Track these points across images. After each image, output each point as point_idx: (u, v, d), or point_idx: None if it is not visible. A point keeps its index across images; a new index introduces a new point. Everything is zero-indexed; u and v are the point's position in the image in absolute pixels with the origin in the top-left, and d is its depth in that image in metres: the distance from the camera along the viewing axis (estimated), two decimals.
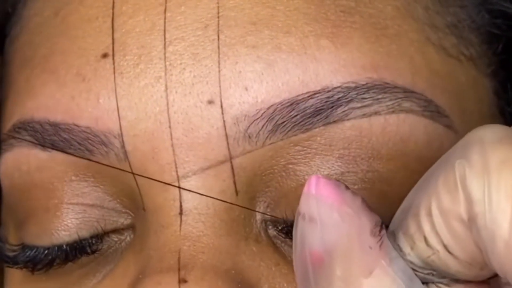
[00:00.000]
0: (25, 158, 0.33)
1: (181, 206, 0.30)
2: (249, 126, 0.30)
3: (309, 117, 0.30)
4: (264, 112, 0.30)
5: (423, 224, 0.24)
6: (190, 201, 0.30)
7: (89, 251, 0.32)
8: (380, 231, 0.25)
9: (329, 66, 0.30)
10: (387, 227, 0.26)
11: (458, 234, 0.23)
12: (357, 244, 0.24)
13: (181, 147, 0.30)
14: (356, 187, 0.30)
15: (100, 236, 0.32)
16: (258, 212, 0.30)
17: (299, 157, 0.30)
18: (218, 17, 0.30)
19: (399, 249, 0.25)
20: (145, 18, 0.31)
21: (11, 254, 0.34)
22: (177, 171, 0.30)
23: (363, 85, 0.30)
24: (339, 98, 0.30)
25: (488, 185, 0.22)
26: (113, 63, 0.31)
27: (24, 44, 0.36)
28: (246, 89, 0.30)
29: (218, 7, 0.31)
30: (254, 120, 0.30)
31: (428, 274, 0.24)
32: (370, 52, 0.31)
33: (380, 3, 0.32)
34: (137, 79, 0.30)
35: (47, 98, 0.32)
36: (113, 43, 0.31)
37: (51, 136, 0.32)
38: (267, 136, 0.30)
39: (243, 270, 0.30)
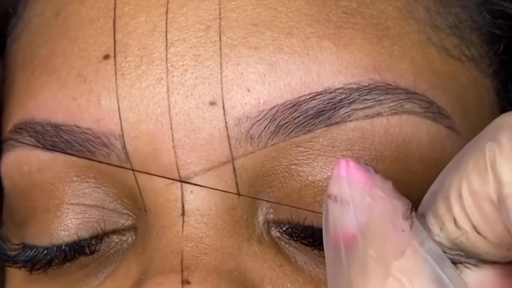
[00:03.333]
0: (26, 158, 0.33)
1: (183, 207, 0.30)
2: (251, 127, 0.30)
3: (311, 118, 0.30)
4: (266, 113, 0.30)
5: (453, 206, 0.24)
6: (192, 202, 0.30)
7: (87, 251, 0.32)
8: (410, 214, 0.25)
9: (331, 67, 0.30)
10: (416, 210, 0.26)
11: (488, 215, 0.24)
12: (389, 226, 0.25)
13: (182, 148, 0.30)
14: None
15: (99, 237, 0.32)
16: (264, 200, 0.31)
17: (301, 158, 0.30)
18: (220, 18, 0.30)
19: (428, 231, 0.25)
20: (147, 19, 0.31)
21: (11, 253, 0.34)
22: (179, 172, 0.30)
23: (365, 86, 0.30)
24: (341, 99, 0.30)
25: None
26: (115, 65, 0.31)
27: (25, 44, 0.35)
28: (248, 90, 0.30)
29: (220, 8, 0.31)
30: (256, 121, 0.30)
31: (456, 254, 0.25)
32: (372, 53, 0.31)
33: (382, 4, 0.32)
34: (139, 80, 0.30)
35: (48, 99, 0.32)
36: (114, 44, 0.31)
37: (52, 137, 0.32)
38: (269, 137, 0.30)
39: (246, 271, 0.30)
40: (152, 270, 0.29)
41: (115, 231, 0.32)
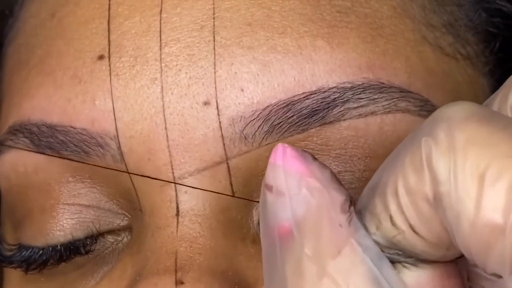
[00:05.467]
0: (22, 159, 0.33)
1: (177, 207, 0.30)
2: (245, 127, 0.30)
3: (305, 118, 0.30)
4: (260, 113, 0.30)
5: (389, 204, 0.23)
6: (186, 202, 0.30)
7: (83, 251, 0.32)
8: (349, 207, 0.24)
9: (325, 66, 0.30)
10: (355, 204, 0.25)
11: (424, 214, 0.22)
12: (327, 221, 0.23)
13: (177, 148, 0.30)
14: (353, 186, 0.30)
15: (95, 237, 0.32)
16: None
17: None
18: (214, 18, 0.30)
19: (365, 229, 0.24)
20: (141, 19, 0.31)
21: (8, 253, 0.34)
22: (173, 172, 0.30)
23: (359, 85, 0.30)
24: (335, 98, 0.30)
25: (454, 164, 0.21)
26: (109, 65, 0.31)
27: (21, 46, 0.36)
28: (242, 90, 0.30)
29: (214, 8, 0.31)
30: (250, 121, 0.30)
31: (394, 254, 0.24)
32: (366, 52, 0.31)
33: (376, 3, 0.32)
34: (133, 80, 0.30)
35: (43, 100, 0.32)
36: (109, 44, 0.31)
37: (48, 138, 0.32)
38: (263, 137, 0.30)
39: (240, 271, 0.30)
40: (147, 270, 0.29)
41: (110, 231, 0.32)
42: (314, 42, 0.30)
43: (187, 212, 0.30)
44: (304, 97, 0.30)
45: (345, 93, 0.30)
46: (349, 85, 0.30)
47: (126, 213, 0.32)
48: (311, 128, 0.30)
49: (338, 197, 0.24)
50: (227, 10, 0.31)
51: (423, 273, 0.24)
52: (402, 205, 0.22)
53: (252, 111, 0.30)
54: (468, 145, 0.21)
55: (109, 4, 0.32)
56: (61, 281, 0.33)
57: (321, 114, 0.30)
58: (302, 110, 0.30)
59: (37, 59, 0.33)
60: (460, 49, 0.34)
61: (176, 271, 0.29)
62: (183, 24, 0.31)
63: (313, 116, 0.30)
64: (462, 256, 0.23)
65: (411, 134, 0.23)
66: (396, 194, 0.23)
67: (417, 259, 0.24)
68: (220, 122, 0.30)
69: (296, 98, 0.30)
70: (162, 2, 0.31)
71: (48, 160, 0.32)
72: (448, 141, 0.21)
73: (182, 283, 0.28)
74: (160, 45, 0.30)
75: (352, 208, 0.24)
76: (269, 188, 0.24)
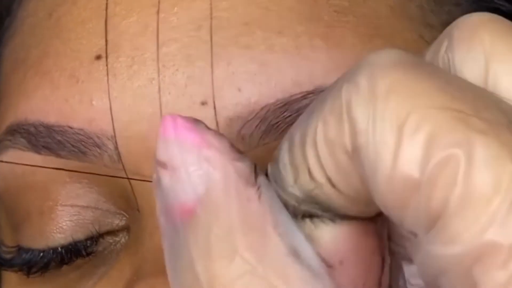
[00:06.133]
0: (19, 160, 0.33)
1: None
2: (242, 127, 0.30)
3: None
4: (258, 113, 0.30)
5: (308, 155, 0.21)
6: None
7: (84, 253, 0.32)
8: (256, 179, 0.21)
9: (322, 66, 0.30)
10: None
11: (343, 167, 0.20)
12: (234, 195, 0.21)
13: None
14: None
15: (95, 238, 0.32)
16: None
17: None
18: (211, 18, 0.30)
19: (282, 180, 0.22)
20: (138, 19, 0.31)
21: (7, 256, 0.34)
22: None
23: None
24: None
25: (373, 113, 0.19)
26: (106, 65, 0.31)
27: (18, 45, 0.36)
28: (239, 90, 0.30)
29: (211, 8, 0.30)
30: (248, 121, 0.30)
31: (311, 208, 0.22)
32: (363, 52, 0.31)
33: (374, 3, 0.32)
34: (130, 80, 0.30)
35: (41, 100, 0.32)
36: (106, 44, 0.31)
37: (45, 138, 0.32)
38: (261, 136, 0.30)
39: None
40: (144, 271, 0.29)
41: (109, 232, 0.32)
42: (312, 41, 0.30)
43: None
44: (301, 96, 0.30)
45: None
46: None
47: (124, 213, 0.32)
48: None
49: (242, 169, 0.21)
50: (225, 10, 0.30)
51: (340, 228, 0.22)
52: (320, 157, 0.21)
53: (250, 111, 0.30)
54: (389, 93, 0.19)
55: (107, 4, 0.32)
56: (60, 282, 0.33)
57: None
58: (300, 110, 0.30)
59: (34, 59, 0.33)
60: None
61: None
62: (181, 24, 0.31)
63: None
64: (382, 213, 0.21)
65: (336, 80, 0.21)
66: (315, 144, 0.21)
67: (335, 214, 0.22)
68: (217, 122, 0.30)
69: (293, 98, 0.30)
70: (159, 2, 0.31)
71: (45, 160, 0.32)
72: (369, 89, 0.19)
73: None
74: (157, 45, 0.30)
75: (261, 178, 0.22)
76: (162, 165, 0.21)
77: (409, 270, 0.24)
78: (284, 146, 0.22)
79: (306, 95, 0.30)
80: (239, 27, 0.30)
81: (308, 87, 0.30)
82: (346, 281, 0.22)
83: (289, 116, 0.30)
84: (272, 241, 0.21)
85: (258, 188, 0.21)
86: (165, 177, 0.21)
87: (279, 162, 0.22)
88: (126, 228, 0.32)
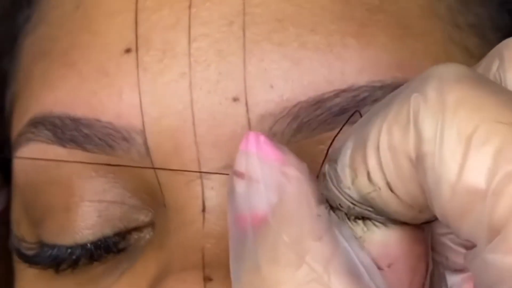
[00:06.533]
0: (43, 153, 0.33)
1: (203, 203, 0.30)
2: (274, 124, 0.30)
3: (335, 116, 0.30)
4: (289, 110, 0.29)
5: (369, 158, 0.22)
6: (213, 198, 0.30)
7: (114, 249, 0.32)
8: (326, 203, 0.23)
9: (354, 64, 0.30)
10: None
11: (404, 173, 0.21)
12: (305, 208, 0.22)
13: (204, 144, 0.30)
14: None
15: (122, 234, 0.32)
16: None
17: (324, 155, 0.30)
18: (244, 13, 0.30)
19: (339, 181, 0.23)
20: (170, 13, 0.31)
21: (29, 253, 0.34)
22: (200, 168, 0.30)
23: (389, 84, 0.30)
24: (365, 97, 0.30)
25: (442, 124, 0.20)
26: (137, 58, 0.31)
27: (42, 37, 0.35)
28: (272, 87, 0.30)
29: (244, 3, 0.30)
30: (279, 118, 0.29)
31: (365, 209, 0.23)
32: (395, 51, 0.31)
33: (405, 2, 0.32)
34: (161, 74, 0.30)
35: (67, 92, 0.32)
36: (136, 38, 0.31)
37: (71, 131, 0.32)
38: (292, 134, 0.30)
39: None
40: (173, 266, 0.29)
41: (134, 228, 0.32)
42: (344, 40, 0.30)
43: (214, 208, 0.30)
44: (334, 95, 0.30)
45: (374, 92, 0.30)
46: (379, 84, 0.30)
47: (149, 209, 0.32)
48: (340, 126, 0.30)
49: (316, 190, 0.23)
50: (257, 6, 0.30)
51: (392, 232, 0.23)
52: (382, 161, 0.22)
53: (282, 108, 0.29)
54: (458, 106, 0.20)
55: None
56: (83, 277, 0.33)
57: (350, 112, 0.30)
58: (332, 108, 0.30)
59: (60, 51, 0.33)
60: (485, 51, 0.34)
61: (204, 267, 0.28)
62: (213, 19, 0.30)
63: (342, 114, 0.30)
64: (430, 221, 0.23)
65: (401, 88, 0.22)
66: (377, 148, 0.22)
67: (388, 219, 0.23)
68: (249, 119, 0.29)
69: (326, 96, 0.30)
70: None
71: (70, 154, 0.32)
72: (438, 100, 0.21)
73: (210, 279, 0.28)
74: (189, 40, 0.30)
75: (328, 205, 0.23)
76: (240, 175, 0.23)
77: (451, 280, 0.24)
78: (343, 147, 0.23)
79: (339, 93, 0.30)
80: (272, 23, 0.30)
81: (340, 85, 0.30)
82: (393, 284, 0.22)
83: (321, 114, 0.30)
84: (338, 253, 0.22)
85: (329, 208, 0.23)
86: (241, 186, 0.23)
87: (337, 163, 0.23)
88: (150, 224, 0.32)
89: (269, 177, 0.23)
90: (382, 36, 0.31)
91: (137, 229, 0.32)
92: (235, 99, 0.30)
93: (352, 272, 0.22)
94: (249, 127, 0.29)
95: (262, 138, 0.24)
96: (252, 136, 0.24)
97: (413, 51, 0.31)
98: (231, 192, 0.24)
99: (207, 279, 0.28)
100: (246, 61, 0.30)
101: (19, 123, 0.34)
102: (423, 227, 0.23)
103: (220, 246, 0.29)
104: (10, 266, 0.39)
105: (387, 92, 0.30)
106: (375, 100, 0.30)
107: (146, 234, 0.32)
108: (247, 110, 0.29)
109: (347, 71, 0.30)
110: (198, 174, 0.30)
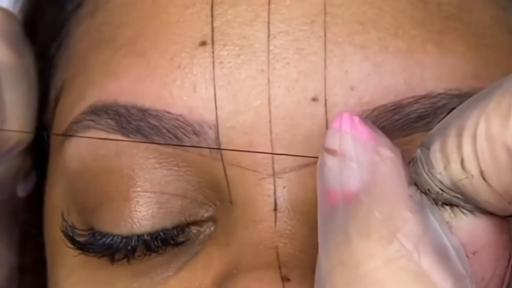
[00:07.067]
0: (103, 142, 0.32)
1: (275, 202, 0.30)
2: None
3: (412, 122, 0.30)
4: (369, 114, 0.29)
5: (464, 145, 0.22)
6: (285, 197, 0.30)
7: (172, 242, 0.31)
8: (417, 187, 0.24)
9: (433, 71, 0.30)
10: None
11: (499, 163, 0.22)
12: (398, 188, 0.23)
13: (280, 142, 0.29)
14: None
15: (182, 228, 0.31)
16: None
17: None
18: (325, 13, 0.30)
19: (431, 167, 0.23)
20: (248, 8, 0.30)
21: (80, 239, 0.33)
22: (273, 166, 0.30)
23: (466, 93, 0.30)
24: (443, 104, 0.30)
25: None
26: (212, 52, 0.30)
27: (101, 23, 0.34)
28: (352, 89, 0.29)
29: (325, 3, 0.30)
30: None
31: (454, 196, 0.23)
32: (472, 60, 0.31)
33: (478, 12, 0.32)
34: (238, 70, 0.30)
35: (134, 82, 0.31)
36: (212, 31, 0.30)
37: (138, 122, 0.31)
38: None
39: None
40: (246, 264, 0.29)
41: (194, 222, 0.32)
42: (425, 46, 0.30)
43: (286, 207, 0.29)
44: (413, 101, 0.30)
45: (452, 100, 0.30)
46: (456, 92, 0.30)
47: (211, 204, 0.31)
48: (416, 133, 0.30)
49: (408, 173, 0.24)
50: (339, 7, 0.30)
51: (479, 221, 0.23)
52: (477, 149, 0.22)
53: (360, 111, 0.29)
54: None
55: None
56: (139, 268, 0.32)
57: (428, 119, 0.30)
58: (410, 114, 0.30)
59: (126, 39, 0.32)
60: None
61: (280, 267, 0.28)
62: (293, 17, 0.30)
63: (419, 121, 0.30)
64: None
65: (501, 81, 0.23)
66: (474, 136, 0.22)
67: (476, 207, 0.23)
68: (327, 120, 0.29)
69: (405, 102, 0.29)
70: None
71: (133, 144, 0.32)
72: None
73: (288, 279, 0.28)
74: (268, 36, 0.30)
75: (417, 189, 0.24)
76: (331, 152, 0.24)
77: None
78: (437, 134, 0.23)
79: (418, 99, 0.30)
80: (354, 25, 0.30)
81: (420, 91, 0.30)
82: (476, 272, 0.23)
83: (399, 119, 0.30)
84: (428, 233, 0.23)
85: (420, 192, 0.23)
86: (333, 163, 0.24)
87: (429, 149, 0.23)
88: (211, 219, 0.32)
89: (363, 156, 0.24)
90: (460, 44, 0.31)
91: (197, 223, 0.32)
92: (314, 99, 0.29)
93: (441, 253, 0.22)
94: (327, 128, 0.29)
95: (357, 118, 0.25)
96: (346, 115, 0.25)
97: (487, 61, 0.31)
98: (321, 167, 0.25)
99: (285, 279, 0.28)
100: (326, 61, 0.29)
101: (73, 110, 0.34)
102: (508, 219, 0.24)
103: (293, 246, 0.29)
104: (38, 256, 0.39)
105: (463, 101, 0.30)
106: (452, 109, 0.30)
107: (206, 229, 0.32)
108: (326, 111, 0.29)
109: (426, 77, 0.30)
110: (270, 172, 0.30)
